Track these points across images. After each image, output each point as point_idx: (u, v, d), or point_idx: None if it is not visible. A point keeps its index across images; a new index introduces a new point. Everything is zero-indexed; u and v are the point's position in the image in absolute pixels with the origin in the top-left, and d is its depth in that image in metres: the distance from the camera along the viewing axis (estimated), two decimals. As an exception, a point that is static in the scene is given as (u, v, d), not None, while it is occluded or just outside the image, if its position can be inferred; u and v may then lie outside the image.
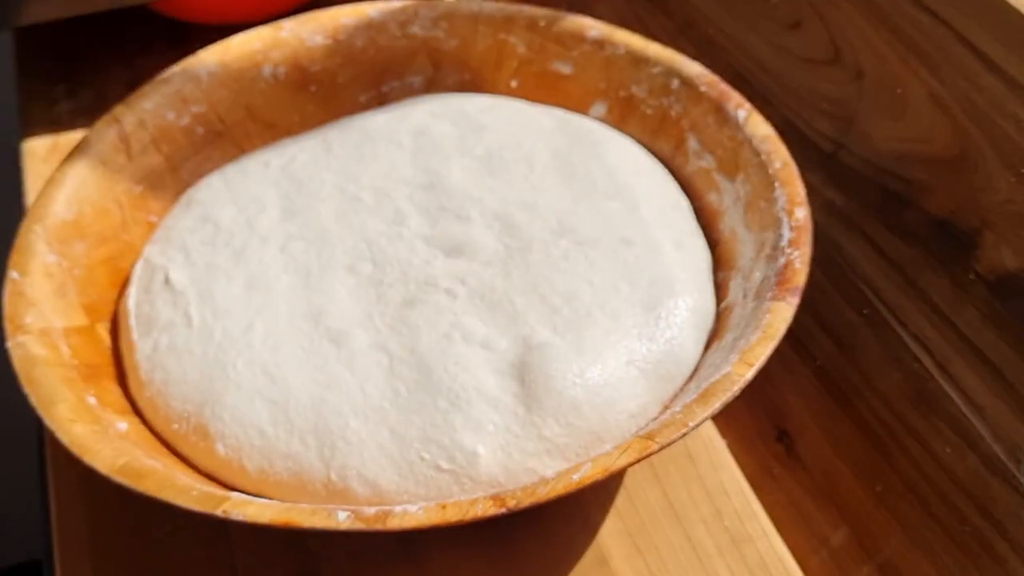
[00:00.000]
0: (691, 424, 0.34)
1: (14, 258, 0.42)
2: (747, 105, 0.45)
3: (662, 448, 0.34)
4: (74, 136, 0.57)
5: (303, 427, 0.38)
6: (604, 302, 0.40)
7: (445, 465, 0.37)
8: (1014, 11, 0.39)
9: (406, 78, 0.52)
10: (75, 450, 0.36)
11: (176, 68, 0.49)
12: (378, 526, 0.33)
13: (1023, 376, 0.38)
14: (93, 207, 0.45)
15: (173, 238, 0.45)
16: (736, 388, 0.35)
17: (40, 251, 0.43)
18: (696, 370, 0.40)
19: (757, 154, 0.43)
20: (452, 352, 0.39)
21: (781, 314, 0.37)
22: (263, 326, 0.41)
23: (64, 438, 0.36)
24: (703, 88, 0.46)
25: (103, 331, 0.43)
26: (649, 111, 0.48)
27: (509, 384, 0.38)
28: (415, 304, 0.41)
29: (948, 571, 0.40)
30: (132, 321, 0.43)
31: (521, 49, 0.51)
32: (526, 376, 0.38)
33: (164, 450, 0.39)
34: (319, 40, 0.51)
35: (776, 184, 0.42)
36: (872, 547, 0.43)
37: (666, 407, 0.39)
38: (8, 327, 0.40)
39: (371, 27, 0.51)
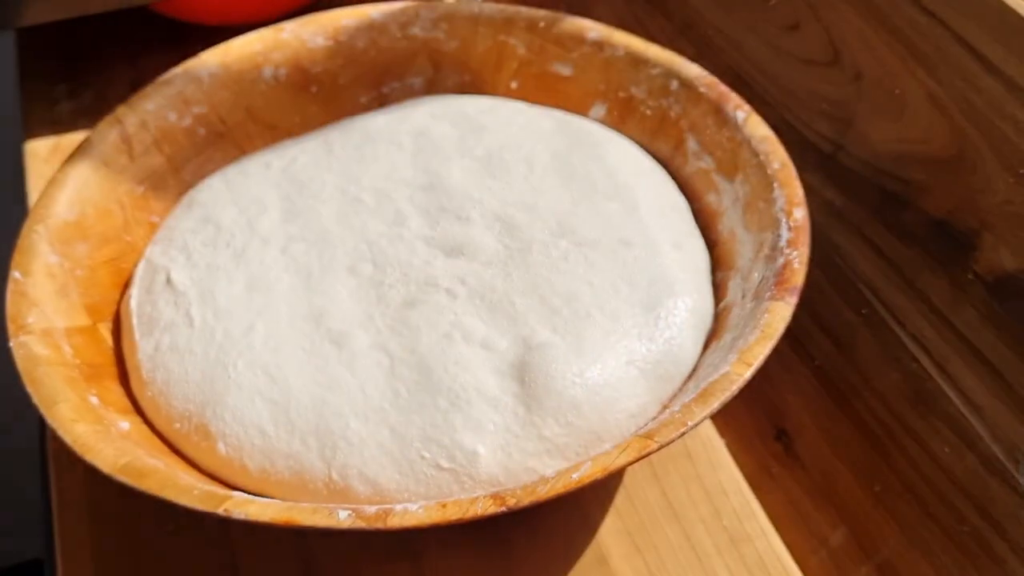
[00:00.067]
0: (690, 423, 0.35)
1: (16, 258, 0.42)
2: (746, 106, 0.45)
3: (661, 447, 0.34)
4: (76, 137, 0.57)
5: (304, 427, 0.38)
6: (604, 302, 0.40)
7: (445, 464, 0.37)
8: (1012, 12, 0.39)
9: (406, 79, 0.52)
10: (77, 449, 0.36)
11: (178, 69, 0.49)
12: (379, 525, 0.33)
13: (1022, 376, 0.38)
14: (95, 208, 0.45)
15: (175, 239, 0.45)
16: (735, 388, 0.35)
17: (42, 251, 0.43)
18: (695, 370, 0.40)
19: (756, 155, 0.43)
20: (452, 352, 0.39)
21: (780, 314, 0.38)
22: (264, 327, 0.41)
23: (66, 437, 0.36)
24: (702, 89, 0.46)
25: (105, 331, 0.43)
26: (648, 112, 0.48)
27: (509, 384, 0.38)
28: (415, 305, 0.41)
29: (946, 571, 0.40)
30: (134, 321, 0.43)
31: (521, 50, 0.51)
32: (526, 376, 0.38)
33: (166, 449, 0.39)
34: (320, 41, 0.51)
35: (775, 185, 0.42)
36: (870, 547, 0.43)
37: (665, 407, 0.39)
38: (11, 327, 0.40)
39: (372, 28, 0.52)
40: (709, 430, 0.46)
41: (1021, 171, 0.39)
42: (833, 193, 0.47)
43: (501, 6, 0.51)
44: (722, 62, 0.53)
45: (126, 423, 0.39)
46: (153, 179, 0.48)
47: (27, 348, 0.39)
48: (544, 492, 0.33)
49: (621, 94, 0.49)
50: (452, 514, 0.33)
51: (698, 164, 0.46)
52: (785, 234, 0.40)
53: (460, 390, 0.38)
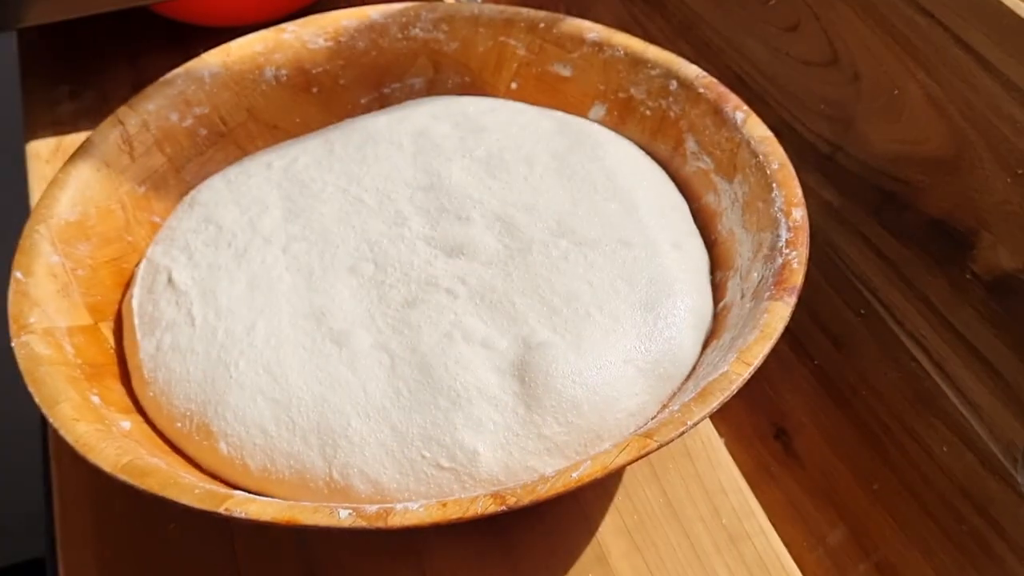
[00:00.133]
0: (689, 423, 0.35)
1: (18, 259, 0.42)
2: (745, 107, 0.45)
3: (661, 446, 0.34)
4: (77, 137, 0.57)
5: (305, 426, 0.38)
6: (603, 302, 0.40)
7: (446, 463, 0.37)
8: (1011, 13, 0.39)
9: (407, 80, 0.52)
10: (79, 448, 0.36)
11: (179, 70, 0.50)
12: (379, 524, 0.33)
13: (1020, 375, 0.38)
14: (97, 208, 0.46)
15: (176, 239, 0.46)
16: (734, 387, 0.36)
17: (44, 251, 0.43)
18: (694, 369, 0.40)
19: (755, 155, 0.43)
20: (453, 351, 0.39)
21: (778, 314, 0.38)
22: (265, 326, 0.41)
23: (68, 436, 0.36)
24: (701, 90, 0.46)
25: (107, 331, 0.44)
26: (648, 112, 0.48)
27: (509, 383, 0.38)
28: (416, 304, 0.41)
29: (945, 569, 0.40)
30: (135, 321, 0.43)
31: (521, 51, 0.51)
32: (526, 375, 0.38)
33: (167, 449, 0.40)
34: (321, 42, 0.51)
35: (774, 185, 0.42)
36: (869, 545, 0.43)
37: (664, 406, 0.39)
38: (12, 327, 0.40)
39: (372, 29, 0.52)
40: (708, 429, 0.46)
41: (1019, 171, 0.39)
42: (832, 193, 0.47)
43: (501, 7, 0.51)
44: (721, 63, 0.53)
45: (127, 422, 0.39)
46: (154, 179, 0.48)
47: (29, 348, 0.39)
48: (544, 491, 0.33)
49: (621, 95, 0.49)
50: (452, 513, 0.33)
51: (697, 164, 0.46)
52: (784, 234, 0.40)
53: (461, 389, 0.38)
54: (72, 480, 0.44)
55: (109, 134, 0.47)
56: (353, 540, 0.42)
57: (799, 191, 0.42)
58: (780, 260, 0.40)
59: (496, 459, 0.37)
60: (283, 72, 0.51)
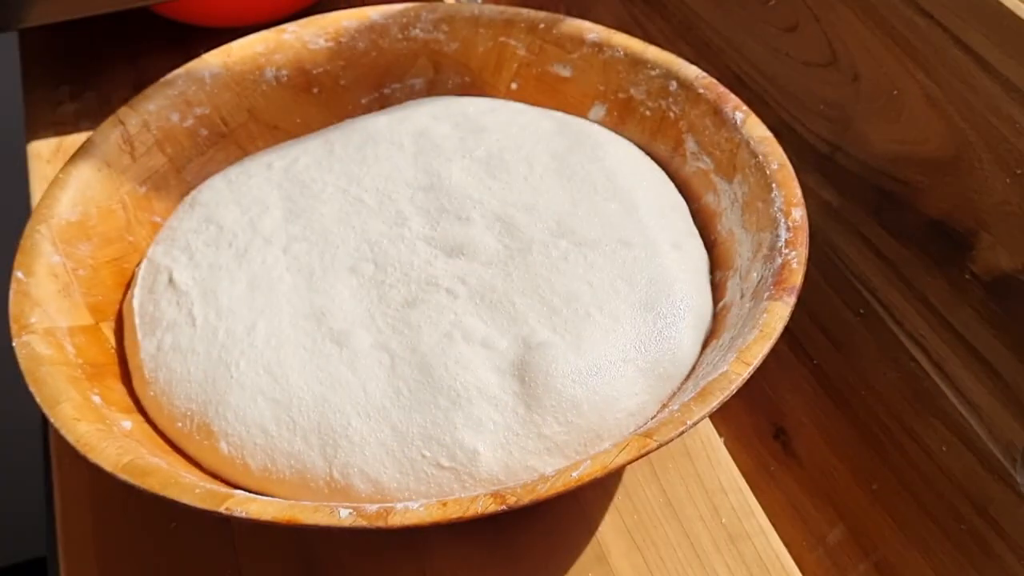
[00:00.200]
0: (689, 422, 0.35)
1: (19, 258, 0.43)
2: (744, 107, 0.45)
3: (660, 446, 0.34)
4: (78, 137, 0.57)
5: (306, 426, 0.38)
6: (603, 302, 0.41)
7: (446, 463, 0.37)
8: (1010, 14, 0.39)
9: (407, 80, 0.52)
10: (80, 448, 0.36)
11: (180, 70, 0.50)
12: (380, 523, 0.33)
13: (1019, 375, 0.38)
14: (98, 208, 0.46)
15: (177, 239, 0.46)
16: (733, 387, 0.36)
17: (45, 251, 0.43)
18: (694, 369, 0.40)
19: (754, 155, 0.43)
20: (453, 351, 0.39)
21: (778, 313, 0.38)
22: (266, 326, 0.41)
23: (69, 436, 0.36)
24: (701, 90, 0.47)
25: (108, 330, 0.44)
26: (648, 113, 0.48)
27: (509, 383, 0.38)
28: (416, 304, 0.41)
29: (944, 569, 0.40)
30: (136, 321, 0.43)
31: (521, 52, 0.51)
32: (526, 375, 0.39)
33: (168, 448, 0.40)
34: (321, 43, 0.52)
35: (773, 185, 0.42)
36: (868, 544, 0.43)
37: (664, 406, 0.39)
38: (13, 327, 0.40)
39: (373, 30, 0.52)
40: (708, 429, 0.46)
41: (1018, 171, 0.39)
42: (831, 193, 0.47)
43: (501, 8, 0.51)
44: (721, 63, 0.53)
45: (128, 422, 0.39)
46: (155, 179, 0.48)
47: (30, 348, 0.40)
48: (544, 491, 0.34)
49: (620, 95, 0.49)
50: (453, 513, 0.33)
51: (697, 164, 0.46)
52: (783, 234, 0.40)
53: (461, 389, 0.38)
54: (73, 480, 0.44)
55: (110, 134, 0.47)
56: (353, 539, 0.42)
57: (798, 191, 0.42)
58: (779, 260, 0.40)
59: (496, 459, 0.37)
60: (284, 72, 0.51)
